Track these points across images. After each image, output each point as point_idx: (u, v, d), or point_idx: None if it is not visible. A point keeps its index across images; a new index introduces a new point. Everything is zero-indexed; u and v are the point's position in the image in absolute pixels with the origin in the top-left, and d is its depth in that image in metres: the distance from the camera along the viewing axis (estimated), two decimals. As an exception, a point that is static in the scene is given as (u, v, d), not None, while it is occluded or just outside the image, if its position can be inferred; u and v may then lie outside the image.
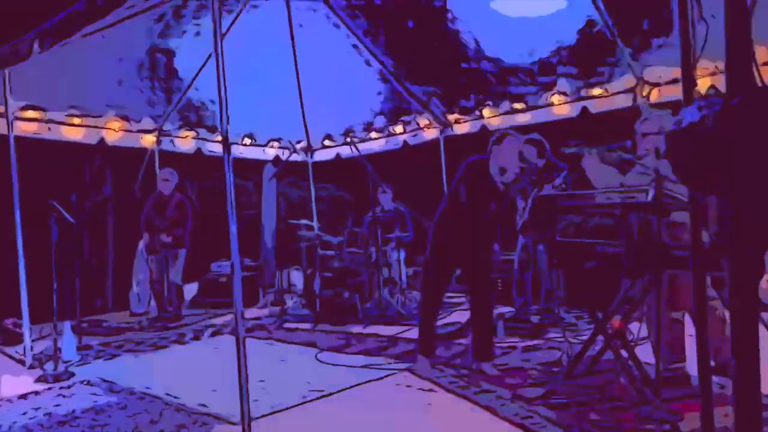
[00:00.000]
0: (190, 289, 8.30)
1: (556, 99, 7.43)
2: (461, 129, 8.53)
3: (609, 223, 3.56)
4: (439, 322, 5.99)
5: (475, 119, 8.30)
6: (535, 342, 5.10)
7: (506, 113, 7.99)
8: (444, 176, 8.68)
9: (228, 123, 3.34)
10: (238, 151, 8.96)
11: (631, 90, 6.80)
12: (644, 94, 6.68)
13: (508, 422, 3.29)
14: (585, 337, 4.29)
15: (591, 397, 3.51)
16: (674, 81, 6.25)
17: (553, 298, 5.74)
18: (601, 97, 7.12)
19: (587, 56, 6.74)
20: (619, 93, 6.95)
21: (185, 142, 8.74)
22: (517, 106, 7.83)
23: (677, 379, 3.65)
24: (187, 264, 7.41)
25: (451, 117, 8.52)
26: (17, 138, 5.33)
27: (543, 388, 3.73)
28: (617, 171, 3.89)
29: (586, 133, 7.90)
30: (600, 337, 3.76)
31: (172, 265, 7.18)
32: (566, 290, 5.85)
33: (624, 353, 3.68)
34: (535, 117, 7.67)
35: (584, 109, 7.28)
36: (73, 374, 4.75)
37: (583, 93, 7.21)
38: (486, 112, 8.11)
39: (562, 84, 7.27)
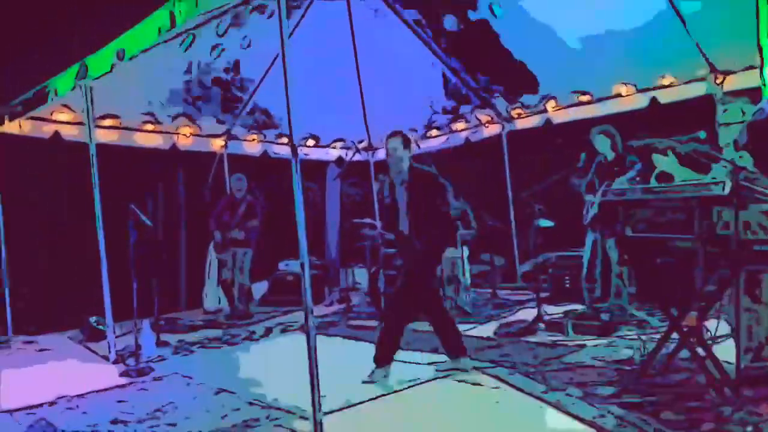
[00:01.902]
0: (259, 288, 8.54)
1: (623, 90, 7.22)
2: (524, 124, 8.41)
3: (683, 217, 3.43)
4: (505, 320, 5.97)
5: (539, 113, 8.17)
6: (606, 340, 4.97)
7: (571, 106, 7.83)
8: (507, 172, 8.58)
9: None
10: (302, 152, 9.14)
11: (703, 78, 6.53)
12: (717, 82, 6.41)
13: (579, 420, 3.23)
14: (658, 335, 4.17)
15: (666, 396, 3.41)
16: (750, 68, 5.95)
17: (624, 294, 5.59)
18: (672, 86, 6.88)
19: (655, 44, 6.51)
20: (690, 82, 6.69)
21: (252, 145, 9.01)
22: (583, 98, 7.65)
23: (760, 379, 3.48)
24: (255, 263, 7.63)
25: (514, 112, 8.41)
26: (97, 145, 5.62)
27: (615, 386, 3.65)
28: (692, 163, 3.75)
29: (655, 125, 7.64)
30: (675, 335, 3.64)
31: (240, 265, 7.41)
32: (637, 286, 5.72)
33: (701, 351, 3.55)
34: (602, 109, 7.48)
35: (653, 99, 7.05)
36: (152, 369, 4.98)
37: (651, 83, 6.98)
38: (550, 105, 7.97)
39: (630, 74, 7.05)
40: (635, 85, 7.15)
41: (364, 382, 4.22)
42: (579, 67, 7.09)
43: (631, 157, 5.47)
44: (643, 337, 4.45)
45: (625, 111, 7.24)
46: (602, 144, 5.76)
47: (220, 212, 7.57)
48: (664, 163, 3.80)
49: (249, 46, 7.13)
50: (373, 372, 4.31)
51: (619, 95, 7.30)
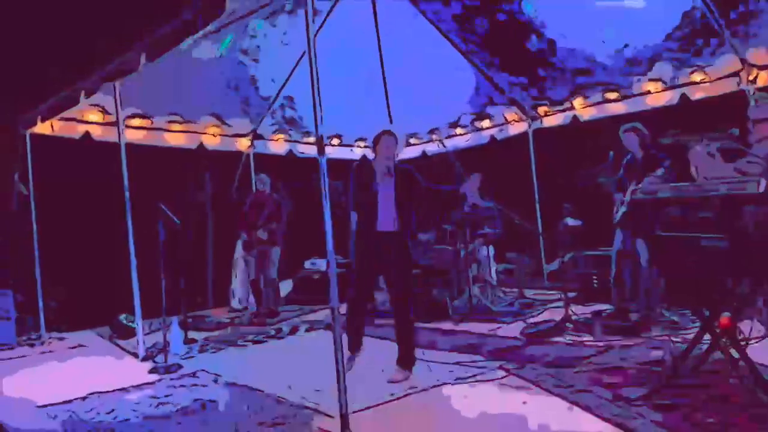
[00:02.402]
0: (285, 286, 8.59)
1: (652, 86, 7.10)
2: (551, 122, 8.33)
3: (715, 215, 3.36)
4: (532, 320, 5.92)
5: (566, 111, 8.08)
6: (635, 340, 4.90)
7: (598, 103, 7.73)
8: (533, 171, 8.51)
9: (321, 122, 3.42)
10: (326, 151, 9.15)
11: (736, 74, 6.39)
12: (750, 78, 6.27)
13: (608, 422, 3.19)
14: (689, 336, 4.09)
15: (697, 398, 3.35)
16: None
17: (654, 295, 5.50)
18: (702, 82, 6.75)
19: (685, 40, 6.39)
20: (721, 78, 6.56)
21: (277, 145, 9.07)
22: (610, 95, 7.55)
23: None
24: (281, 262, 7.68)
25: (540, 109, 8.33)
26: (126, 144, 5.70)
27: (645, 388, 3.59)
28: (724, 161, 3.67)
29: (685, 122, 7.50)
30: (707, 337, 3.57)
31: (267, 263, 7.47)
32: (668, 287, 5.61)
33: (734, 353, 3.47)
34: (630, 106, 7.38)
35: (683, 96, 6.93)
36: (181, 366, 5.04)
37: (681, 79, 6.86)
38: (577, 103, 7.87)
39: (659, 70, 6.94)
40: (665, 82, 7.03)
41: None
42: (606, 63, 7.00)
43: (660, 154, 5.38)
44: (674, 338, 4.37)
45: (654, 108, 7.13)
46: (631, 142, 5.68)
47: (247, 212, 7.63)
48: (696, 159, 3.73)
49: (286, 44, 7.15)
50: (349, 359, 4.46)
51: (648, 92, 7.19)
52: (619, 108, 7.49)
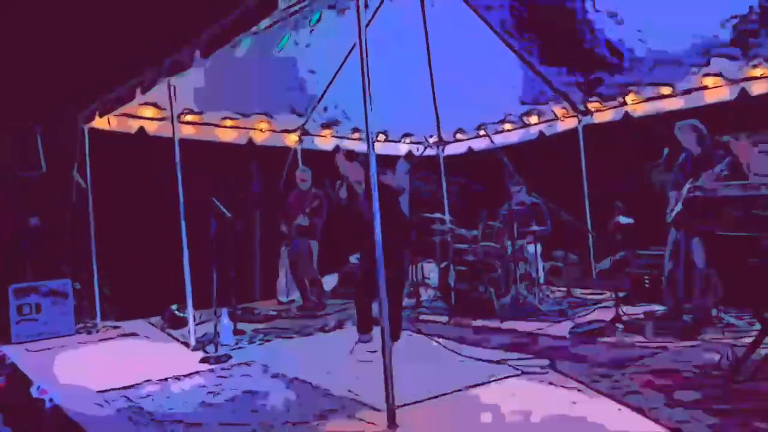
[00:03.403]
0: (330, 281, 8.68)
1: (710, 81, 6.87)
2: (602, 117, 8.15)
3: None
4: (580, 320, 5.82)
5: (618, 107, 7.89)
6: (689, 343, 4.76)
7: (652, 99, 7.52)
8: (583, 167, 8.35)
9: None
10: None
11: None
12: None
13: (662, 425, 3.11)
14: (747, 339, 3.96)
15: (756, 403, 3.24)
16: None
17: (709, 296, 5.33)
18: (764, 77, 6.49)
19: (746, 32, 6.15)
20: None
21: (324, 141, 9.15)
22: (665, 90, 7.33)
23: None
24: (326, 256, 7.75)
25: (591, 105, 8.16)
26: (179, 140, 5.85)
27: (700, 392, 3.50)
28: None
29: (744, 118, 7.24)
30: (767, 340, 3.45)
31: (307, 256, 7.55)
32: (724, 288, 5.44)
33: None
34: (686, 102, 7.15)
35: (743, 90, 6.68)
36: (230, 357, 5.15)
37: (741, 73, 6.61)
38: (629, 98, 7.68)
39: (717, 64, 6.70)
40: (723, 76, 6.78)
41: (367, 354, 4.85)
42: (661, 57, 6.79)
43: (718, 152, 5.21)
44: (731, 342, 4.24)
45: (711, 103, 6.90)
46: (687, 138, 5.52)
47: (289, 206, 7.73)
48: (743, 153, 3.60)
49: (333, 39, 7.17)
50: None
51: (705, 87, 6.95)
52: (673, 104, 7.27)
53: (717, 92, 6.89)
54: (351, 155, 5.42)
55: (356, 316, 5.27)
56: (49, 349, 5.99)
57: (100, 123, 6.99)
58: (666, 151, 5.42)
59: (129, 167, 7.71)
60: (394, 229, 4.79)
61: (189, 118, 7.62)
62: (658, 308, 5.80)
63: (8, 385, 5.16)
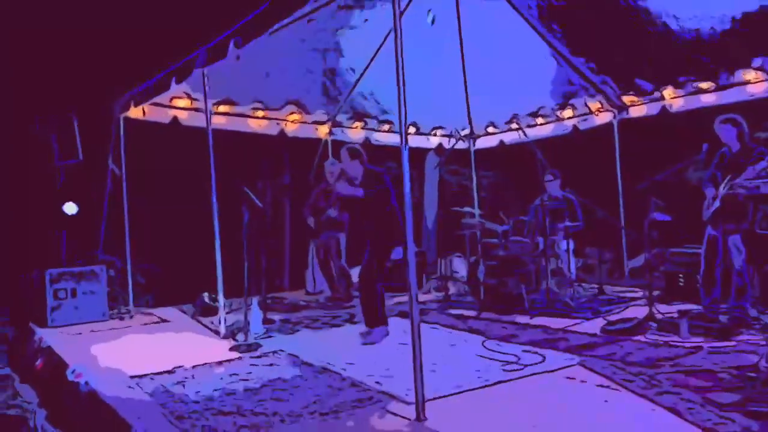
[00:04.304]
0: (357, 273, 8.68)
1: (752, 76, 6.67)
2: (638, 112, 7.99)
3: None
4: (613, 318, 5.73)
5: (655, 101, 7.72)
6: (725, 344, 4.65)
7: (690, 94, 7.34)
8: (617, 163, 8.20)
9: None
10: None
11: None
12: None
13: (696, 427, 3.04)
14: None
15: (797, 408, 3.14)
16: None
17: (747, 295, 5.20)
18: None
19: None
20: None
21: (355, 132, 9.15)
22: (704, 85, 7.15)
23: None
24: (353, 248, 7.76)
25: (627, 99, 8.00)
26: (212, 130, 5.90)
27: (737, 393, 3.41)
28: None
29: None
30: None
31: (335, 249, 7.58)
32: (763, 287, 5.31)
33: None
34: (725, 97, 6.97)
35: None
36: (260, 345, 5.20)
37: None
38: (667, 93, 7.50)
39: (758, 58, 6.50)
40: (765, 70, 6.58)
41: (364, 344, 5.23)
42: (701, 50, 6.61)
43: (759, 148, 5.07)
44: (770, 343, 4.13)
45: (753, 99, 6.70)
46: (727, 134, 5.38)
47: (315, 199, 7.76)
48: None
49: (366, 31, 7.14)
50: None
51: (747, 82, 6.76)
52: (712, 98, 7.09)
53: (759, 87, 6.69)
54: (354, 153, 5.54)
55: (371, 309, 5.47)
56: (82, 333, 6.12)
57: (135, 112, 7.08)
58: (706, 146, 5.29)
59: (162, 156, 7.82)
60: (378, 222, 5.34)
61: (222, 108, 7.68)
62: (693, 307, 5.67)
63: (45, 367, 5.29)
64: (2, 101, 8.24)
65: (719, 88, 7.03)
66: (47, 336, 5.91)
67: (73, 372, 4.42)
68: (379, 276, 5.40)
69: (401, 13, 3.47)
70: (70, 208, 7.00)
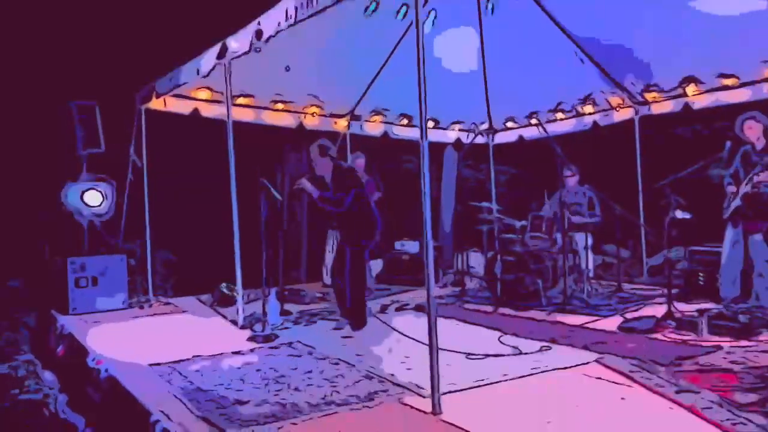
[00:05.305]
0: (375, 266, 8.71)
1: (776, 73, 6.56)
2: (659, 109, 7.90)
3: None
4: (631, 316, 5.69)
5: (677, 97, 7.62)
6: (745, 343, 4.60)
7: (714, 90, 7.23)
8: (638, 159, 8.12)
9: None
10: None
11: None
12: None
13: (716, 426, 3.02)
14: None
15: (818, 409, 3.11)
16: None
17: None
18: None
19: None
20: None
21: (374, 126, 9.15)
22: (727, 81, 7.04)
23: None
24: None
25: (648, 95, 7.90)
26: (232, 122, 5.94)
27: (757, 393, 3.38)
28: None
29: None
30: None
31: None
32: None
33: None
34: (750, 93, 6.86)
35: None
36: (277, 336, 5.24)
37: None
38: (690, 89, 7.40)
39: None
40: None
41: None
42: (724, 46, 6.50)
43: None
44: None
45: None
46: (750, 131, 5.31)
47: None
48: None
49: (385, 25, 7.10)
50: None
51: (771, 79, 6.65)
52: (737, 96, 6.98)
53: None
54: (324, 150, 5.63)
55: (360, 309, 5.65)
56: (102, 321, 6.21)
57: (156, 104, 7.15)
58: (728, 144, 5.22)
59: (182, 148, 7.89)
60: (348, 217, 5.51)
61: (242, 100, 7.72)
62: (712, 306, 5.61)
63: (66, 354, 5.39)
64: (32, 88, 8.37)
65: (743, 85, 6.92)
66: (68, 323, 6.01)
67: (93, 359, 4.50)
68: (353, 270, 5.53)
69: (424, 4, 3.45)
70: (93, 197, 7.09)
